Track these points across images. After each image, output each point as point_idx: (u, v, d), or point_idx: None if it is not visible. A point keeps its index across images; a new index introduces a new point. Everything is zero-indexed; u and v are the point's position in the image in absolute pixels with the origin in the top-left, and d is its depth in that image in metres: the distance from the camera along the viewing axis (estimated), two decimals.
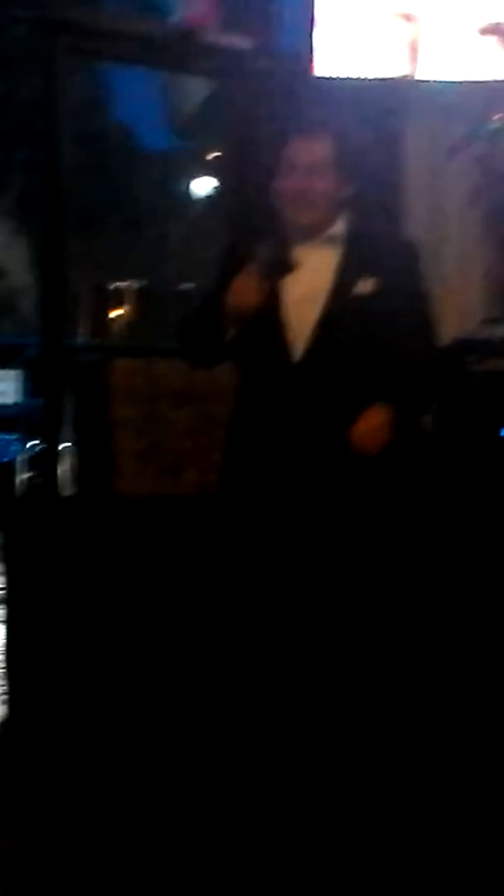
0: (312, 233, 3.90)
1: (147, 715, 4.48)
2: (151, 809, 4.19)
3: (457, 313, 5.95)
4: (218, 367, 4.11)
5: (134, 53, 5.97)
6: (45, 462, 5.82)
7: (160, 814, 4.16)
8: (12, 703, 4.78)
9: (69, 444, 5.57)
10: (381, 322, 3.88)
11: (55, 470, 5.54)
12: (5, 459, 10.91)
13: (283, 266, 3.87)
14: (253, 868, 3.78)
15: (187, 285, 7.74)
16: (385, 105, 5.98)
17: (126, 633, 4.55)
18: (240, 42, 5.92)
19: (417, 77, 5.97)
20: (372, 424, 3.82)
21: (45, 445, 5.85)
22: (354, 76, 5.89)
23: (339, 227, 3.94)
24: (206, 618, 4.17)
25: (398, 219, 5.97)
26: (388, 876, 3.81)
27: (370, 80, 5.90)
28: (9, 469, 9.96)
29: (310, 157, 3.87)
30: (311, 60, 5.86)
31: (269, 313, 3.85)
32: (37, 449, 8.80)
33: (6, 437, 10.99)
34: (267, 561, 3.85)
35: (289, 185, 3.89)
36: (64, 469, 5.60)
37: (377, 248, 3.95)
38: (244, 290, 3.81)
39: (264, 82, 5.91)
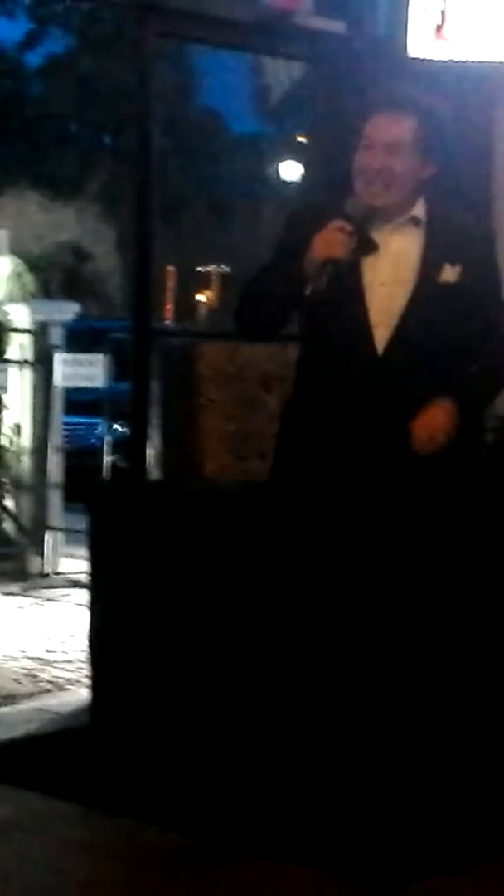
0: (390, 214, 3.79)
1: (228, 700, 4.47)
2: (232, 788, 4.19)
3: None
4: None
5: (225, 37, 5.95)
6: (132, 446, 5.82)
7: (243, 792, 4.16)
8: (99, 685, 4.78)
9: (156, 427, 5.56)
10: (461, 312, 3.79)
11: (143, 454, 5.54)
12: (91, 443, 10.94)
13: (366, 243, 3.76)
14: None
15: None
16: (478, 88, 5.90)
17: (212, 619, 4.54)
18: (332, 25, 5.88)
19: None
20: (435, 419, 3.73)
21: (131, 429, 5.85)
22: (449, 58, 5.82)
23: (419, 209, 3.85)
24: (291, 605, 4.15)
25: (479, 204, 5.90)
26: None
27: (464, 62, 5.83)
28: (95, 452, 9.98)
29: (390, 135, 3.75)
30: (405, 42, 5.81)
31: (350, 293, 3.74)
32: (121, 432, 8.83)
33: (92, 420, 11.01)
34: (327, 554, 3.79)
35: (367, 163, 3.76)
36: (150, 453, 5.60)
37: (458, 233, 3.85)
38: (332, 242, 3.66)
39: (357, 65, 5.86)
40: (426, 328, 3.75)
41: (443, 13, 5.84)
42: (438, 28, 5.84)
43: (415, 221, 3.83)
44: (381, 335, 3.75)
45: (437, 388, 3.75)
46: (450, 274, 3.79)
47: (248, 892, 3.73)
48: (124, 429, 7.30)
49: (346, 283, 3.71)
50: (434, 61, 5.80)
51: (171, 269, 22.87)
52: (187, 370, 5.10)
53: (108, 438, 9.65)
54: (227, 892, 3.74)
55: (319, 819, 3.90)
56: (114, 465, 9.47)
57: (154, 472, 5.54)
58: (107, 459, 9.60)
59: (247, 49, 6.26)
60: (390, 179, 3.76)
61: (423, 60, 5.80)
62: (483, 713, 4.12)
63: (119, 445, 8.92)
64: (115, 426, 9.46)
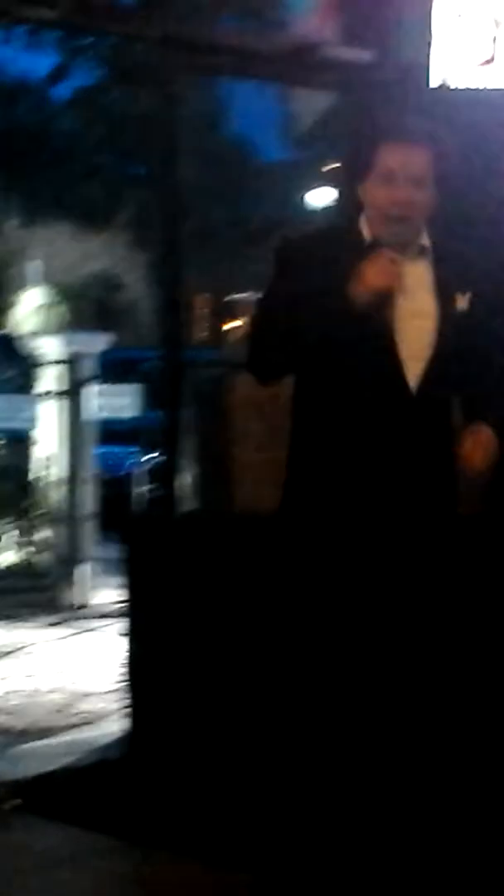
0: (403, 246, 3.79)
1: (268, 731, 4.45)
2: (276, 819, 4.16)
3: None
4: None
5: (251, 69, 5.97)
6: (163, 476, 5.83)
7: (286, 824, 4.13)
8: (135, 717, 4.78)
9: (190, 457, 5.57)
10: (475, 338, 3.80)
11: (174, 484, 5.55)
12: (124, 472, 10.97)
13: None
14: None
15: None
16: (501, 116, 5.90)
17: (246, 649, 4.53)
18: (357, 55, 5.89)
19: None
20: (482, 442, 3.73)
21: (163, 459, 5.86)
22: (474, 87, 5.81)
23: (425, 238, 3.85)
24: (328, 636, 4.13)
25: (483, 230, 5.89)
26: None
27: (490, 90, 5.83)
28: (127, 482, 10.01)
29: (415, 168, 3.72)
30: (429, 71, 5.81)
31: (381, 327, 3.73)
32: (154, 462, 8.85)
33: (124, 449, 11.05)
34: (366, 590, 3.77)
35: (393, 196, 3.73)
36: (183, 483, 5.60)
37: (463, 260, 3.86)
38: (387, 273, 3.64)
39: (383, 94, 5.87)
40: (455, 358, 3.75)
41: (464, 41, 5.84)
42: (460, 56, 5.84)
43: (422, 251, 3.83)
44: (415, 369, 3.74)
45: (468, 416, 3.76)
46: (462, 302, 3.80)
47: None
48: (159, 458, 7.32)
49: (375, 317, 3.69)
50: (461, 90, 5.80)
51: (203, 297, 22.93)
52: (219, 400, 5.11)
53: (143, 468, 9.68)
54: None
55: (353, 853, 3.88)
56: (148, 495, 9.50)
57: (188, 502, 5.54)
58: (141, 489, 9.62)
59: (273, 80, 6.28)
60: (416, 213, 3.76)
61: (450, 89, 5.80)
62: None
63: (154, 475, 8.95)
64: (150, 455, 9.49)
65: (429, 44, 5.84)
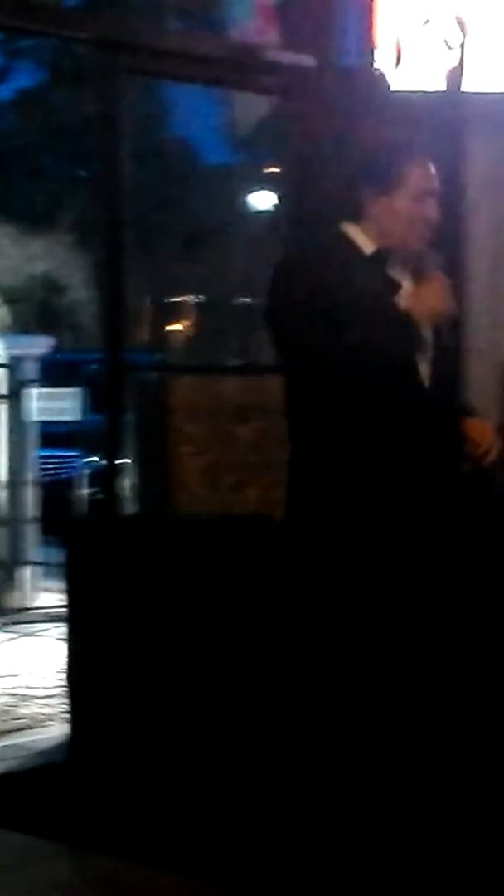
0: (405, 262, 3.81)
1: (209, 732, 4.46)
2: (213, 821, 4.17)
3: None
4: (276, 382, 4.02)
5: (193, 72, 5.97)
6: (105, 479, 5.82)
7: (224, 825, 4.14)
8: (76, 721, 4.77)
9: (131, 460, 5.56)
10: (454, 336, 3.90)
11: (116, 488, 5.54)
12: (65, 475, 10.94)
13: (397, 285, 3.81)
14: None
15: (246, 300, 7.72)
16: (446, 118, 5.94)
17: (189, 651, 4.53)
18: (299, 59, 5.91)
19: (479, 89, 5.93)
20: (484, 429, 3.82)
21: (105, 462, 5.85)
22: (416, 90, 5.85)
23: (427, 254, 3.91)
24: (267, 637, 4.14)
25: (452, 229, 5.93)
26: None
27: (432, 93, 5.87)
28: (70, 485, 9.98)
29: (434, 184, 3.79)
30: (371, 75, 5.84)
31: (403, 332, 3.76)
32: (95, 465, 8.83)
33: (66, 453, 11.02)
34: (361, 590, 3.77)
35: (421, 212, 3.76)
36: (125, 486, 5.59)
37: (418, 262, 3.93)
38: (448, 296, 3.75)
39: (325, 98, 5.90)
40: (449, 356, 3.85)
41: (402, 45, 5.88)
42: (403, 60, 5.88)
43: (407, 263, 3.87)
44: (425, 371, 3.79)
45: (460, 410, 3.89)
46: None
47: None
48: (100, 461, 7.31)
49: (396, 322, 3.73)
50: (402, 92, 5.83)
51: (146, 300, 22.90)
52: (161, 403, 5.11)
53: (84, 471, 9.66)
54: None
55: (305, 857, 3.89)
56: (91, 499, 9.47)
57: (130, 504, 5.53)
58: (83, 492, 9.59)
59: (216, 84, 6.29)
60: (432, 228, 3.81)
61: (392, 92, 5.83)
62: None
63: (97, 478, 8.94)
64: (93, 459, 9.48)
65: (371, 48, 5.88)
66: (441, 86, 5.88)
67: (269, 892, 3.81)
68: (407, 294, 3.74)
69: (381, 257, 3.77)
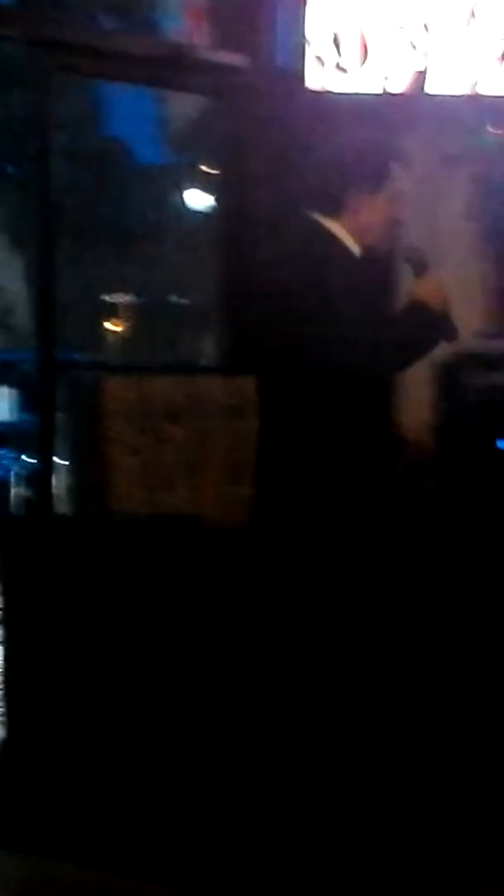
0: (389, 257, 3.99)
1: (143, 733, 4.46)
2: (153, 824, 4.17)
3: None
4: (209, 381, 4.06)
5: (125, 71, 5.96)
6: (38, 480, 5.80)
7: (163, 828, 4.14)
8: (11, 724, 4.75)
9: (65, 460, 5.55)
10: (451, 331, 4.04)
11: (49, 487, 5.52)
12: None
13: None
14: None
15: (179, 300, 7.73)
16: (380, 119, 5.96)
17: (123, 652, 4.53)
18: (231, 59, 5.92)
19: (412, 91, 5.95)
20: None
21: (38, 462, 5.83)
22: (349, 91, 5.87)
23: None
24: (203, 635, 4.15)
25: None
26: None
27: (365, 94, 5.89)
28: (2, 485, 9.94)
29: (407, 186, 3.95)
30: (304, 75, 5.86)
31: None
32: (28, 465, 8.80)
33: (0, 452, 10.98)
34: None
35: (399, 212, 3.93)
36: (59, 486, 5.58)
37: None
38: (437, 293, 3.89)
39: (257, 98, 5.91)
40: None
41: (339, 46, 5.90)
42: (335, 61, 5.90)
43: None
44: None
45: None
46: None
47: None
48: (33, 461, 7.28)
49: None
50: (333, 93, 5.85)
51: (79, 299, 22.83)
52: (93, 403, 5.10)
53: (14, 472, 9.62)
54: None
55: (234, 853, 3.90)
56: (24, 499, 9.44)
57: (63, 505, 5.52)
58: (15, 492, 9.56)
59: (147, 83, 6.28)
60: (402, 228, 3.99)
61: (322, 93, 5.85)
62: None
63: (30, 479, 8.91)
64: (25, 459, 9.45)
65: (303, 49, 5.89)
66: (382, 87, 5.90)
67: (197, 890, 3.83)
68: (407, 291, 3.86)
69: (371, 257, 3.87)
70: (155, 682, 4.49)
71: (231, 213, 6.23)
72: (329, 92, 5.87)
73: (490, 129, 6.00)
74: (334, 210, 3.83)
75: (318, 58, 5.86)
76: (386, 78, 5.91)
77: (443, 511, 4.89)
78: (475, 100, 5.97)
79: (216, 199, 6.67)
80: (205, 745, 4.05)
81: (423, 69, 5.94)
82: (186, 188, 21.02)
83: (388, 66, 5.92)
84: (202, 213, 19.31)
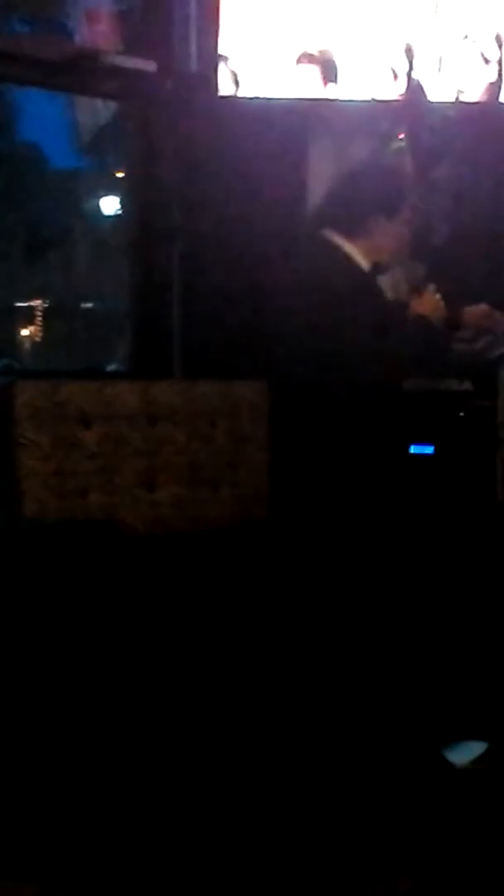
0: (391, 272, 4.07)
1: (74, 742, 4.44)
2: (100, 835, 4.15)
3: None
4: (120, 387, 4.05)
5: (33, 76, 5.93)
6: None
7: (111, 840, 4.12)
8: None
9: None
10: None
11: None
12: None
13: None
14: None
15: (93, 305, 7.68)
16: (290, 124, 5.99)
17: (37, 659, 4.51)
18: (141, 63, 5.92)
19: (322, 96, 5.98)
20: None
21: None
22: (260, 96, 5.88)
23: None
24: (121, 640, 4.14)
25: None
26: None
27: (275, 99, 5.90)
28: None
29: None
30: (215, 81, 5.86)
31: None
32: None
33: None
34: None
35: (407, 234, 4.00)
36: None
37: None
38: (436, 307, 3.92)
39: (166, 104, 5.92)
40: None
41: (250, 52, 5.92)
42: (246, 66, 5.91)
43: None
44: None
45: None
46: None
47: None
48: None
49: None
50: (242, 98, 5.86)
51: None
52: (4, 409, 5.07)
53: None
54: None
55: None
56: None
57: None
58: None
59: (55, 88, 6.25)
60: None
61: (232, 98, 5.86)
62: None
63: None
64: None
65: (214, 55, 5.90)
66: (292, 92, 5.91)
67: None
68: (412, 304, 3.94)
69: (379, 272, 3.97)
70: (72, 687, 4.48)
71: (142, 218, 6.23)
72: (239, 98, 5.88)
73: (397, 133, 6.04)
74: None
75: (228, 64, 5.87)
76: (296, 84, 5.93)
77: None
78: (383, 106, 6.01)
79: (127, 204, 6.67)
80: (143, 752, 4.04)
81: (332, 75, 5.98)
82: (100, 193, 20.98)
83: (299, 71, 5.94)
84: (115, 218, 19.28)
